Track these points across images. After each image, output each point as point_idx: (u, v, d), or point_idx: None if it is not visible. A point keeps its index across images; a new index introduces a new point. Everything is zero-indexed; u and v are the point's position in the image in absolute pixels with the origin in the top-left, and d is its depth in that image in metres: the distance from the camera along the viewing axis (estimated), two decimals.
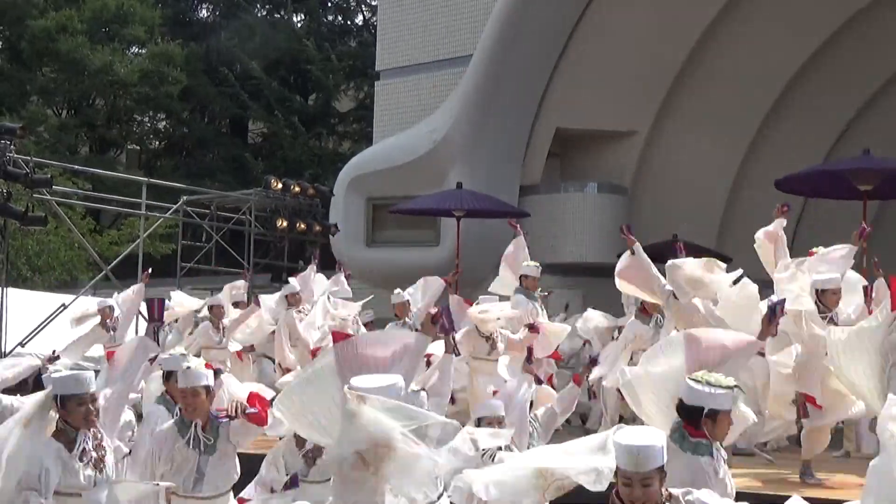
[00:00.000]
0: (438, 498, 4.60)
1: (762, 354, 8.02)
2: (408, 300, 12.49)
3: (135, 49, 31.92)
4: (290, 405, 5.10)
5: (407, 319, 12.29)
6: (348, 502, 4.39)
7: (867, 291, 10.66)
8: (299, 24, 33.96)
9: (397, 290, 12.74)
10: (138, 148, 34.32)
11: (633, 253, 10.11)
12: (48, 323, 15.98)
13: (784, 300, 6.58)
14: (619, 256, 18.97)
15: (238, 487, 6.64)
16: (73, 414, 5.72)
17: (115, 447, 6.28)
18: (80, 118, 31.58)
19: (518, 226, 12.61)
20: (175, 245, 19.97)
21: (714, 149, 20.18)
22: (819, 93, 20.32)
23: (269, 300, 12.97)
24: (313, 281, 13.32)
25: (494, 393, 8.07)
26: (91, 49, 28.83)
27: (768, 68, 19.75)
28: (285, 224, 17.75)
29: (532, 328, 10.87)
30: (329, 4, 35.40)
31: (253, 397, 6.25)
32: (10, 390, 7.86)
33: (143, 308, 15.07)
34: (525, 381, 7.60)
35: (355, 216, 19.88)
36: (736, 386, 5.10)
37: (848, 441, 11.01)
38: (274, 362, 12.71)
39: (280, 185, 17.82)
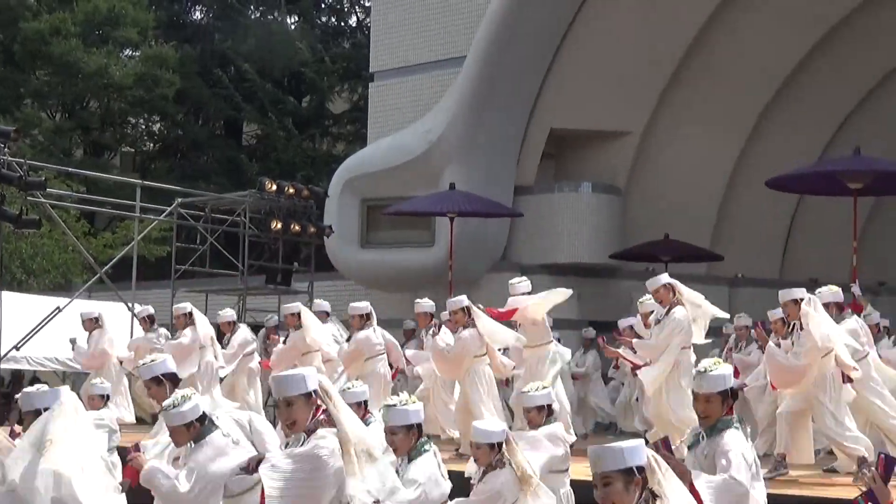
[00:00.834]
0: None
1: None
2: (430, 311, 12.40)
3: (128, 52, 31.88)
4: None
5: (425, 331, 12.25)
6: None
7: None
8: (293, 26, 33.94)
9: (425, 299, 12.71)
10: (132, 150, 34.26)
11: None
12: (43, 326, 15.95)
13: None
14: (612, 257, 19.20)
15: None
16: None
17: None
18: (75, 121, 31.52)
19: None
20: (169, 247, 19.92)
21: (708, 149, 20.21)
22: (813, 91, 20.37)
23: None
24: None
25: None
26: (85, 52, 28.79)
27: (762, 68, 19.80)
28: (280, 226, 17.72)
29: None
30: (322, 6, 35.40)
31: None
32: None
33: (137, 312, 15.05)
34: None
35: (350, 217, 19.88)
36: None
37: None
38: None
39: (274, 187, 17.78)
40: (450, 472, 6.22)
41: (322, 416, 5.40)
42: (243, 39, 31.97)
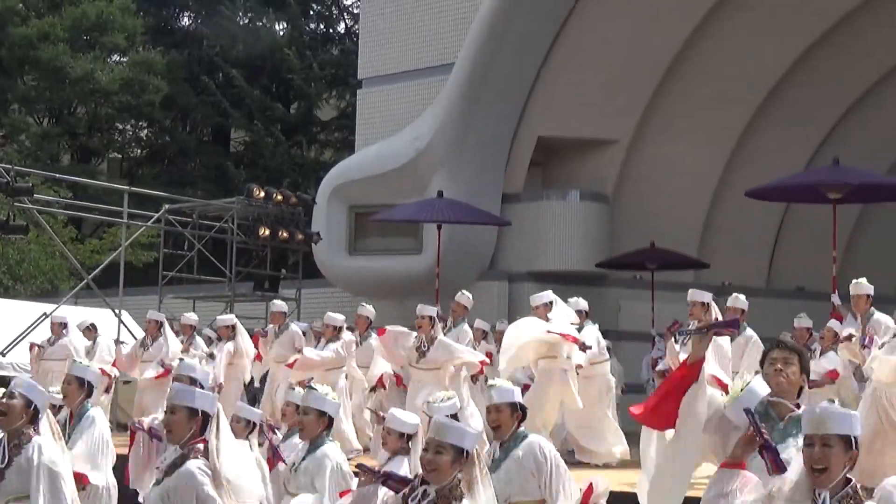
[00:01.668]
0: None
1: None
2: (429, 316, 12.40)
3: (116, 57, 31.84)
4: None
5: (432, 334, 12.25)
6: None
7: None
8: (281, 33, 33.94)
9: (423, 306, 12.73)
10: (120, 156, 34.22)
11: None
12: (30, 332, 15.91)
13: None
14: (599, 265, 19.21)
15: None
16: None
17: None
18: (62, 126, 31.47)
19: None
20: (157, 254, 19.89)
21: (695, 157, 20.27)
22: (800, 101, 20.45)
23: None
24: None
25: None
26: (72, 57, 28.76)
27: (749, 78, 19.88)
28: (267, 232, 17.71)
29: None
30: (311, 13, 35.40)
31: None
32: None
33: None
34: None
35: (338, 224, 19.88)
36: None
37: None
38: None
39: (262, 194, 17.78)
40: None
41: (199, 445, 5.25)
42: (231, 46, 31.97)
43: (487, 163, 19.21)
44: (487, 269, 19.49)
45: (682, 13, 19.08)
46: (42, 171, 21.74)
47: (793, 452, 4.55)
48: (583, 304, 12.14)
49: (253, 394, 14.76)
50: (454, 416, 7.18)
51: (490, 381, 6.23)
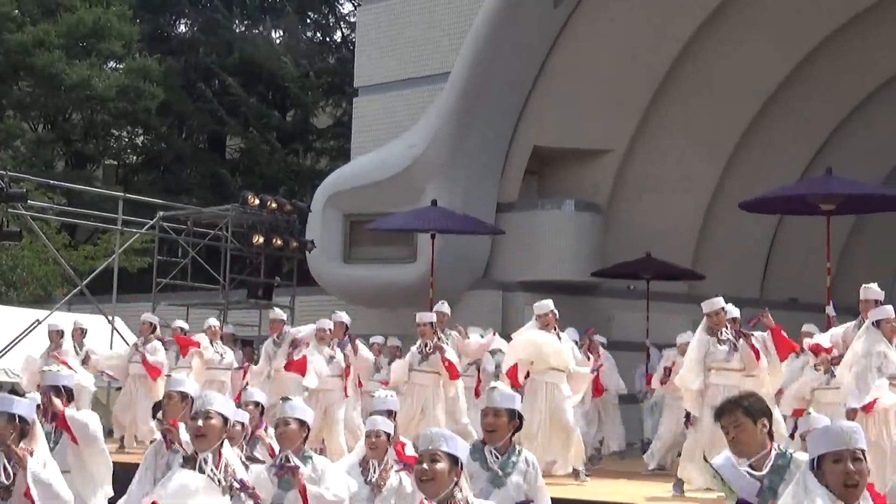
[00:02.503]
0: None
1: None
2: (430, 322, 12.37)
3: (112, 64, 31.83)
4: None
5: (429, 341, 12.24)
6: None
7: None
8: (278, 41, 33.97)
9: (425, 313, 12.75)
10: (115, 163, 34.21)
11: None
12: (22, 338, 15.89)
13: None
14: (594, 274, 19.23)
15: None
16: None
17: None
18: (57, 133, 31.45)
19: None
20: (151, 260, 19.88)
21: (690, 168, 20.30)
22: (795, 111, 20.50)
23: None
24: None
25: None
26: (68, 63, 28.75)
27: (744, 88, 19.92)
28: (262, 240, 17.70)
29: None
30: (308, 21, 35.43)
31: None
32: None
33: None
34: None
35: (332, 232, 19.86)
36: None
37: None
38: None
39: (257, 201, 17.78)
40: None
41: None
42: (228, 53, 31.98)
43: (482, 172, 19.21)
44: (481, 279, 19.49)
45: (678, 25, 19.13)
46: (36, 178, 21.70)
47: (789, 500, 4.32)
48: (550, 305, 12.02)
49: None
50: (389, 414, 7.28)
51: (493, 384, 6.09)
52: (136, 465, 6.51)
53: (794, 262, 21.06)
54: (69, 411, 6.79)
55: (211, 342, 14.08)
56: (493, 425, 5.67)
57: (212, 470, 5.39)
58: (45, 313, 16.35)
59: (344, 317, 13.10)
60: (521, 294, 18.76)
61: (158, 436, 6.61)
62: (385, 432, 6.91)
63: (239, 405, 7.34)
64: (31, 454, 5.64)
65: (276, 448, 6.66)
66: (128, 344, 15.30)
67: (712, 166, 20.60)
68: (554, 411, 11.09)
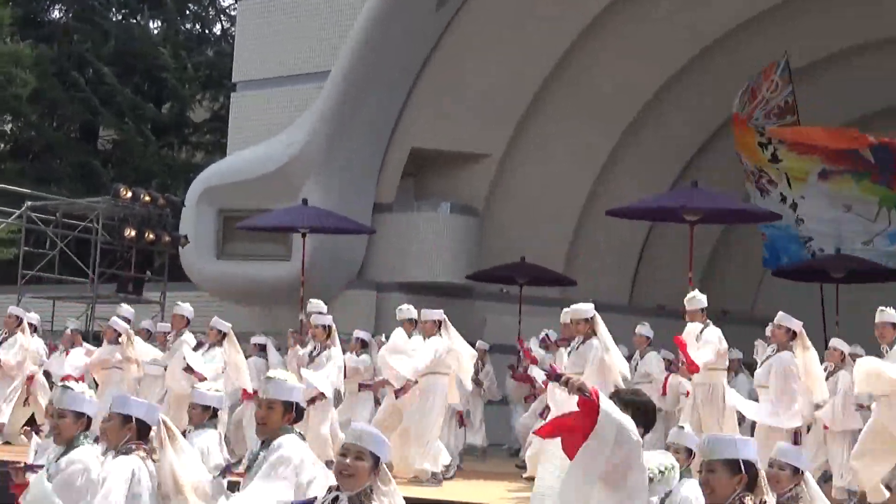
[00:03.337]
0: None
1: None
2: (413, 318, 12.37)
3: None
4: None
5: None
6: None
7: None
8: (156, 31, 33.39)
9: (406, 306, 12.66)
10: None
11: None
12: None
13: None
14: (469, 277, 19.42)
15: None
16: None
17: None
18: None
19: None
20: (17, 251, 19.38)
21: (564, 175, 20.62)
22: (666, 123, 21.01)
23: None
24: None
25: None
26: None
27: (617, 100, 20.34)
28: (133, 233, 17.44)
29: None
30: (187, 13, 34.90)
31: None
32: None
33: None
34: None
35: (206, 228, 19.62)
36: None
37: None
38: None
39: (130, 194, 17.50)
40: None
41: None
42: (103, 42, 31.31)
43: (360, 172, 19.21)
44: (356, 279, 19.48)
45: (555, 35, 19.42)
46: None
47: None
48: (413, 312, 12.27)
49: None
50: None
51: (269, 373, 6.09)
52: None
53: (663, 269, 21.55)
54: None
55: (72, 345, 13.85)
56: (263, 417, 5.75)
57: None
58: None
59: (186, 309, 12.84)
60: (396, 295, 18.81)
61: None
62: None
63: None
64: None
65: None
66: None
67: (586, 174, 20.96)
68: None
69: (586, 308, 10.97)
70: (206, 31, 35.09)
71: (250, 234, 19.04)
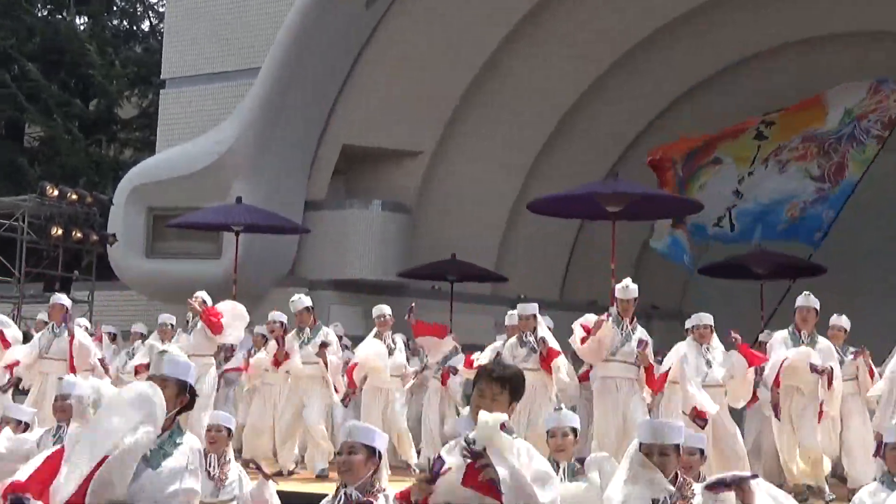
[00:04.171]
0: None
1: None
2: (388, 316, 12.70)
3: None
4: None
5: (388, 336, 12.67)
6: None
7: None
8: (82, 27, 32.95)
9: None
10: None
11: None
12: None
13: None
14: (400, 275, 19.46)
15: None
16: None
17: None
18: None
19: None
20: None
21: (495, 172, 20.74)
22: (595, 122, 21.22)
23: None
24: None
25: None
26: None
27: (546, 98, 20.51)
28: (60, 232, 17.21)
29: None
30: (114, 9, 34.49)
31: None
32: None
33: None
34: None
35: (135, 226, 19.44)
36: None
37: None
38: None
39: (56, 192, 17.27)
40: None
41: None
42: (28, 38, 30.84)
43: (290, 169, 19.16)
44: (287, 276, 19.42)
45: (483, 35, 19.54)
46: None
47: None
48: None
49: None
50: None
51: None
52: None
53: (592, 266, 21.75)
54: None
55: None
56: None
57: None
58: None
59: (63, 300, 12.57)
60: (328, 292, 18.80)
61: None
62: (226, 427, 7.18)
63: None
64: None
65: None
66: None
67: (516, 171, 21.10)
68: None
69: (533, 305, 11.59)
70: (134, 28, 34.69)
71: (180, 233, 18.91)
